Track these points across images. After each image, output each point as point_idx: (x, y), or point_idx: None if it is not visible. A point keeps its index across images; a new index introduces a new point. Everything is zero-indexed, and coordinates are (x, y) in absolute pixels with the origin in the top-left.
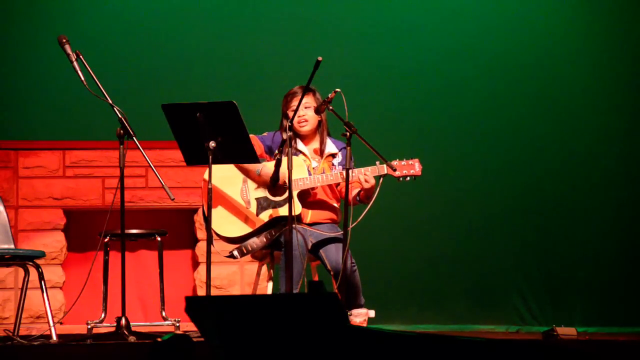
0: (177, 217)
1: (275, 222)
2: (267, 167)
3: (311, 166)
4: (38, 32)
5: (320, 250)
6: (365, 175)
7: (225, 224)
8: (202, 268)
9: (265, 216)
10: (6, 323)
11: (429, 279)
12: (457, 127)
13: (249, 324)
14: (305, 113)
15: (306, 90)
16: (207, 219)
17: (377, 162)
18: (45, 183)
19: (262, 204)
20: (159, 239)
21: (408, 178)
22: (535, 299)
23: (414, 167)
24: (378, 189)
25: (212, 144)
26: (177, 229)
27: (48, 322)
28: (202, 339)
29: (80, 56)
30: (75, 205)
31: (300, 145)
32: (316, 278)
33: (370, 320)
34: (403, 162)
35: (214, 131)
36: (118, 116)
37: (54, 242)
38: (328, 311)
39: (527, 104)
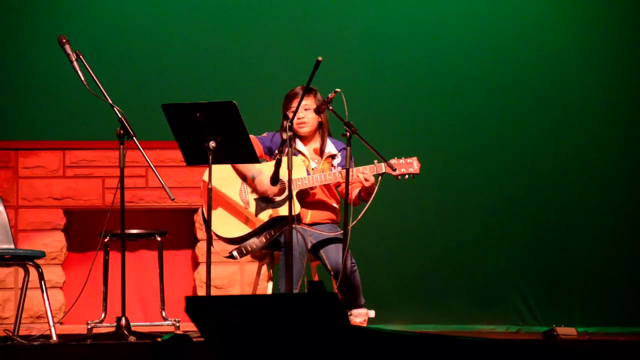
0: (177, 217)
1: (274, 222)
2: (262, 175)
3: (310, 167)
4: (38, 32)
5: (320, 251)
6: (363, 174)
7: (225, 224)
8: (202, 268)
9: (265, 216)
10: (6, 323)
11: (429, 279)
12: (457, 127)
13: (248, 324)
14: (305, 115)
15: (306, 91)
16: (207, 220)
17: (375, 161)
18: (45, 183)
19: (261, 205)
20: (159, 239)
21: (407, 176)
22: (535, 299)
23: (413, 165)
24: (377, 187)
25: (212, 144)
26: (177, 229)
27: (48, 322)
28: (202, 339)
29: (80, 56)
30: (75, 205)
31: (299, 145)
32: (316, 278)
33: (370, 320)
34: (401, 161)
35: (214, 131)
36: (118, 116)
37: (54, 242)
38: (328, 311)
39: (527, 104)
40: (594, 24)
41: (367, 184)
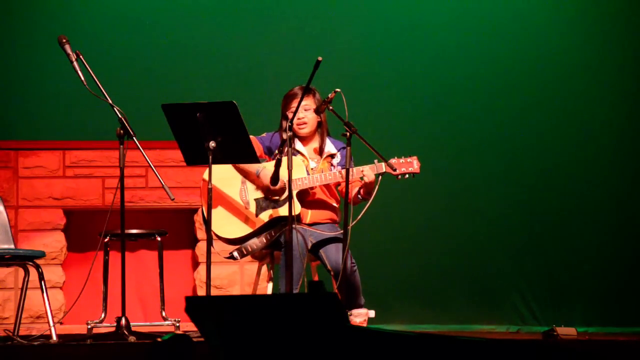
0: (177, 217)
1: (275, 222)
2: (266, 170)
3: (309, 166)
4: (38, 32)
5: (320, 250)
6: (362, 173)
7: (225, 224)
8: (202, 268)
9: (265, 216)
10: (6, 323)
11: (429, 279)
12: (458, 127)
13: (248, 324)
14: (305, 115)
15: (305, 91)
16: (207, 220)
17: (376, 161)
18: (45, 183)
19: (261, 205)
20: (159, 239)
21: (407, 176)
22: (535, 299)
23: (413, 164)
24: (377, 186)
25: (212, 144)
26: (177, 229)
27: (48, 322)
28: (202, 339)
29: (80, 56)
30: (75, 205)
31: (298, 145)
32: (316, 278)
33: (370, 320)
34: (401, 160)
35: (214, 131)
36: (118, 116)
37: (54, 242)
38: (328, 311)
39: (528, 104)
40: (594, 25)
41: (367, 180)
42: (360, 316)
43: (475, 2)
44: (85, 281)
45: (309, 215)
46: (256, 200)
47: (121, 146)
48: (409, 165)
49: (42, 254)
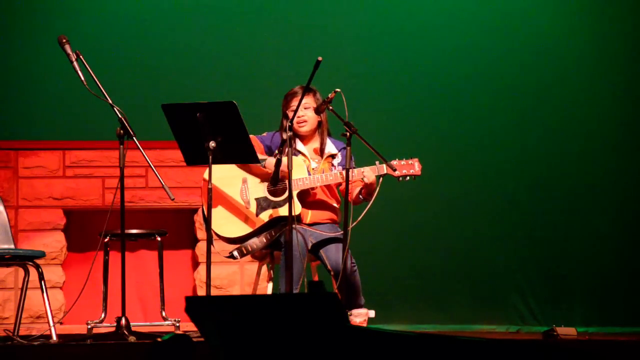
0: (177, 217)
1: (275, 222)
2: (270, 159)
3: (310, 167)
4: (38, 32)
5: (321, 250)
6: (363, 174)
7: (225, 224)
8: (202, 268)
9: (265, 216)
10: (6, 323)
11: (429, 279)
12: (458, 127)
13: (249, 324)
14: (305, 114)
15: (306, 90)
16: (207, 219)
17: (377, 162)
18: (45, 183)
19: (262, 204)
20: (159, 239)
21: (408, 178)
22: (535, 299)
23: (414, 166)
24: (378, 188)
25: (212, 144)
26: (177, 229)
27: (48, 322)
28: (202, 339)
29: (80, 56)
30: (75, 205)
31: (299, 145)
32: (316, 278)
33: (370, 320)
34: (402, 162)
35: (214, 131)
36: (118, 116)
37: (54, 242)
38: (328, 311)
39: (527, 104)
40: (595, 24)
41: (367, 181)
42: (360, 316)
43: (476, 3)
44: (85, 281)
45: (309, 216)
46: (257, 199)
47: (121, 146)
48: (410, 167)
49: (42, 254)
